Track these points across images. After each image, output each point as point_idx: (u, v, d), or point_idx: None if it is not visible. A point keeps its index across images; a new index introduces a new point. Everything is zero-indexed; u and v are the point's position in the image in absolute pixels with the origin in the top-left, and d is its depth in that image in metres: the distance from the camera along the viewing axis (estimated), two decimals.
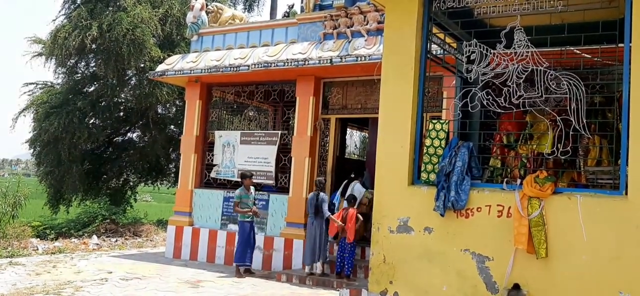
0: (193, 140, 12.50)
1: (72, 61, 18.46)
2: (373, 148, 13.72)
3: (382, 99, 5.29)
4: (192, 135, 12.53)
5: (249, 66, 11.04)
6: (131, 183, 22.33)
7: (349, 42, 10.21)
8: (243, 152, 11.88)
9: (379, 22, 10.05)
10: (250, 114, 12.41)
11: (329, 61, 10.06)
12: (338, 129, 11.25)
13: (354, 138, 17.40)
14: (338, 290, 8.84)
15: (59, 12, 18.29)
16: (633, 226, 3.99)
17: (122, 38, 16.35)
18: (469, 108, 5.01)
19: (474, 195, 4.70)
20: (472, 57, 5.00)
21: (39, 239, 15.28)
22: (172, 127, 21.14)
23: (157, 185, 23.82)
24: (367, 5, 10.27)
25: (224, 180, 12.20)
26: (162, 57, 17.42)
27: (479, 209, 4.66)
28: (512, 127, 6.62)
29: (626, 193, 4.09)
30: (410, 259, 4.86)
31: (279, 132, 11.70)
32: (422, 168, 5.03)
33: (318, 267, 9.70)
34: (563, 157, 4.94)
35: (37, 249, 13.24)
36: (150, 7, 17.30)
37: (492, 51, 4.91)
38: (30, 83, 20.23)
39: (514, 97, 4.78)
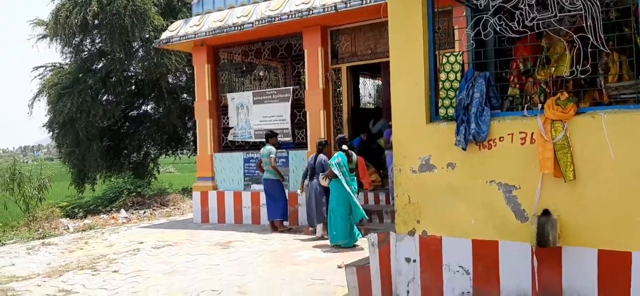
0: (206, 105, 12.48)
1: (77, 39, 18.46)
2: (388, 94, 13.59)
3: (392, 38, 5.18)
4: (204, 100, 12.51)
5: (252, 23, 10.89)
6: (152, 156, 22.58)
7: None
8: (257, 112, 11.85)
9: None
10: (260, 74, 12.31)
11: (333, 8, 9.88)
12: (350, 78, 11.12)
13: (367, 87, 17.25)
14: (366, 236, 8.90)
15: None
16: None
17: (123, 10, 16.27)
18: (483, 37, 4.86)
19: (494, 125, 4.62)
20: None
21: (68, 219, 15.59)
22: (184, 95, 21.16)
23: (177, 154, 24.05)
24: None
25: (242, 141, 12.22)
26: (165, 25, 17.29)
27: (502, 139, 4.58)
28: (527, 52, 6.44)
29: None
30: (436, 196, 4.82)
31: (291, 87, 11.61)
32: (440, 104, 4.93)
33: (319, 230, 9.53)
34: (583, 76, 4.80)
35: (68, 228, 13.50)
36: None
37: None
38: (40, 67, 20.36)
39: (527, 19, 4.63)
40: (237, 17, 11.24)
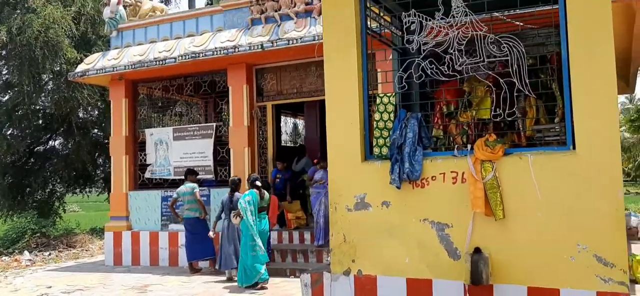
0: (123, 140, 11.97)
1: None
2: (310, 132, 13.70)
3: (327, 78, 5.20)
4: (121, 136, 11.99)
5: (175, 58, 10.65)
6: (58, 194, 21.30)
7: (279, 25, 10.04)
8: (177, 148, 11.52)
9: (307, 4, 9.95)
10: (181, 109, 12.02)
11: (259, 47, 9.86)
12: (275, 116, 11.08)
13: (287, 125, 17.31)
14: (295, 277, 8.76)
15: None
16: (583, 179, 4.12)
17: (34, 41, 15.36)
18: (414, 79, 5.00)
19: (427, 164, 4.72)
20: (411, 28, 5.00)
21: None
22: (95, 130, 20.26)
23: (85, 193, 22.86)
24: None
25: (160, 179, 11.79)
26: (78, 58, 16.56)
27: (434, 178, 4.69)
28: (450, 96, 6.72)
29: (574, 148, 4.22)
30: (371, 235, 4.84)
31: (214, 124, 11.41)
32: (374, 143, 5.00)
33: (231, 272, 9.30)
34: (505, 119, 5.02)
35: None
36: (61, 7, 16.33)
37: (430, 20, 4.92)
38: None
39: (456, 64, 4.82)
40: (159, 52, 10.96)
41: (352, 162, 4.99)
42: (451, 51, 4.82)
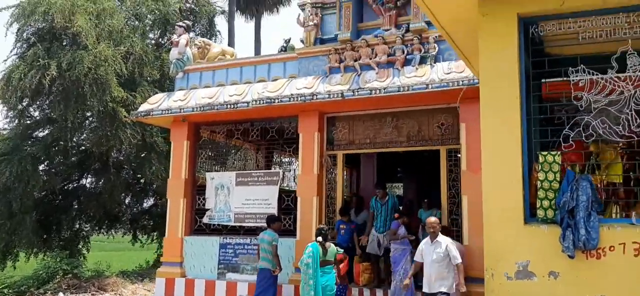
0: (181, 183, 11.62)
1: (23, 105, 17.08)
2: (366, 183, 13.36)
3: (484, 131, 4.86)
4: (180, 178, 11.65)
5: (248, 102, 10.41)
6: (84, 233, 20.90)
7: (359, 75, 9.80)
8: (240, 194, 11.15)
9: (389, 55, 9.74)
10: (246, 153, 11.72)
11: (339, 95, 9.61)
12: (344, 166, 10.74)
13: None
14: None
15: (11, 52, 16.88)
16: None
17: (84, 77, 15.26)
18: (583, 139, 4.68)
19: (604, 232, 4.36)
20: (580, 84, 4.71)
21: None
22: (126, 170, 20.01)
23: (111, 233, 22.46)
24: (374, 38, 9.94)
25: (219, 225, 11.39)
26: (125, 97, 16.43)
27: (612, 248, 4.31)
28: (576, 157, 6.40)
29: None
30: None
31: (280, 170, 11.11)
32: (538, 205, 4.64)
33: None
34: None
35: None
36: (113, 45, 16.27)
37: (602, 77, 4.64)
38: None
39: (633, 124, 4.51)
40: (230, 95, 10.72)
41: (512, 225, 4.62)
42: (627, 111, 4.52)
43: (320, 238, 8.41)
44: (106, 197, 18.91)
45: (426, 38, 9.52)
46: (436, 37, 9.44)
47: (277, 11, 28.53)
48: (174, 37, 11.98)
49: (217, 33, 22.09)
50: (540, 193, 4.65)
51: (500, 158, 4.74)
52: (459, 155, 9.41)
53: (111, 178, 18.75)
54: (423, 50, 9.50)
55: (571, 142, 4.69)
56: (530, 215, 4.69)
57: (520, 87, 4.78)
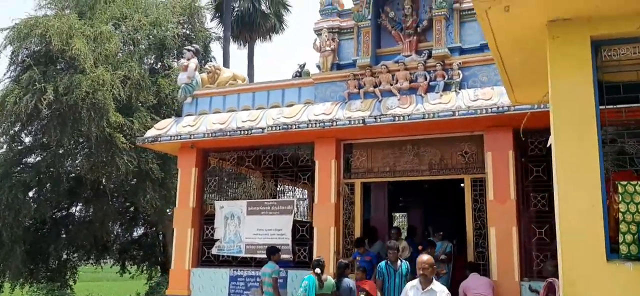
0: (189, 212, 11.16)
1: (15, 129, 16.48)
2: (377, 213, 13.00)
3: (558, 158, 4.56)
4: (187, 207, 11.19)
5: (263, 129, 10.07)
6: (72, 263, 20.17)
7: (380, 101, 9.55)
8: (251, 224, 10.73)
9: (411, 81, 9.51)
10: (258, 181, 11.31)
11: (361, 121, 9.32)
12: (362, 195, 10.39)
13: None
14: None
15: (4, 75, 16.34)
16: None
17: (81, 102, 14.76)
18: None
19: None
20: None
21: None
22: (117, 197, 19.43)
23: (100, 263, 21.74)
24: (395, 64, 9.72)
25: (228, 256, 10.93)
26: (122, 123, 15.95)
27: None
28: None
29: None
30: None
31: (294, 199, 10.73)
32: (621, 240, 4.33)
33: None
34: None
35: None
36: (111, 69, 15.83)
37: None
38: None
39: None
40: (243, 121, 10.36)
41: (593, 262, 4.30)
42: None
43: (318, 270, 8.08)
44: (97, 226, 18.34)
45: (450, 64, 9.32)
46: (460, 63, 9.27)
47: (270, 39, 28.41)
48: (183, 61, 11.64)
49: (212, 58, 21.79)
50: (622, 227, 4.35)
51: (578, 187, 4.44)
52: (482, 184, 9.16)
53: (103, 206, 18.17)
54: (446, 77, 9.28)
55: None
56: (610, 250, 4.39)
57: (596, 113, 4.52)
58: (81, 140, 16.68)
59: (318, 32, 10.46)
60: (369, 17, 9.93)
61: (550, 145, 6.73)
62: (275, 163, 10.98)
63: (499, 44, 5.33)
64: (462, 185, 9.63)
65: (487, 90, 8.88)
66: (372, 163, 10.21)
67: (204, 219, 11.34)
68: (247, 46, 27.23)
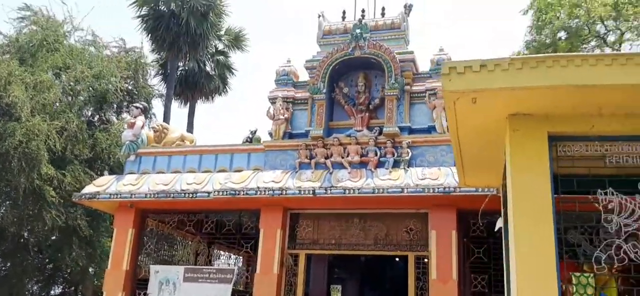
0: (121, 275, 10.59)
1: None
2: (316, 286, 12.81)
3: (518, 246, 4.70)
4: (120, 269, 10.63)
5: (209, 193, 9.85)
6: None
7: (330, 173, 9.60)
8: (187, 291, 10.28)
9: (362, 156, 9.65)
10: (197, 247, 10.95)
11: (311, 192, 9.31)
12: (306, 267, 10.26)
13: None
14: None
15: None
16: None
17: (13, 150, 14.03)
18: (616, 261, 4.63)
19: None
20: (609, 207, 4.72)
21: None
22: (37, 253, 18.32)
23: None
24: (347, 137, 9.87)
25: None
26: (53, 176, 15.24)
27: None
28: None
29: None
30: None
31: (235, 267, 10.45)
32: None
33: None
34: None
35: None
36: (48, 119, 15.20)
37: (633, 201, 4.67)
38: None
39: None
40: (188, 183, 10.11)
41: None
42: None
43: None
44: (14, 281, 17.10)
45: (399, 142, 9.55)
46: (409, 142, 9.52)
47: (212, 99, 28.23)
48: (129, 118, 11.35)
49: (153, 115, 21.40)
50: None
51: (536, 275, 4.57)
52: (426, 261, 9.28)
53: (23, 261, 17.04)
54: (396, 154, 9.49)
55: (603, 264, 4.61)
56: None
57: (552, 204, 4.72)
58: (7, 190, 15.72)
59: (272, 100, 10.51)
60: (324, 90, 10.10)
61: (499, 228, 6.98)
62: (218, 229, 10.71)
63: (460, 131, 5.52)
64: (397, 259, 9.73)
65: (434, 170, 9.13)
66: (318, 234, 10.16)
67: (137, 283, 10.79)
68: (188, 105, 26.94)
